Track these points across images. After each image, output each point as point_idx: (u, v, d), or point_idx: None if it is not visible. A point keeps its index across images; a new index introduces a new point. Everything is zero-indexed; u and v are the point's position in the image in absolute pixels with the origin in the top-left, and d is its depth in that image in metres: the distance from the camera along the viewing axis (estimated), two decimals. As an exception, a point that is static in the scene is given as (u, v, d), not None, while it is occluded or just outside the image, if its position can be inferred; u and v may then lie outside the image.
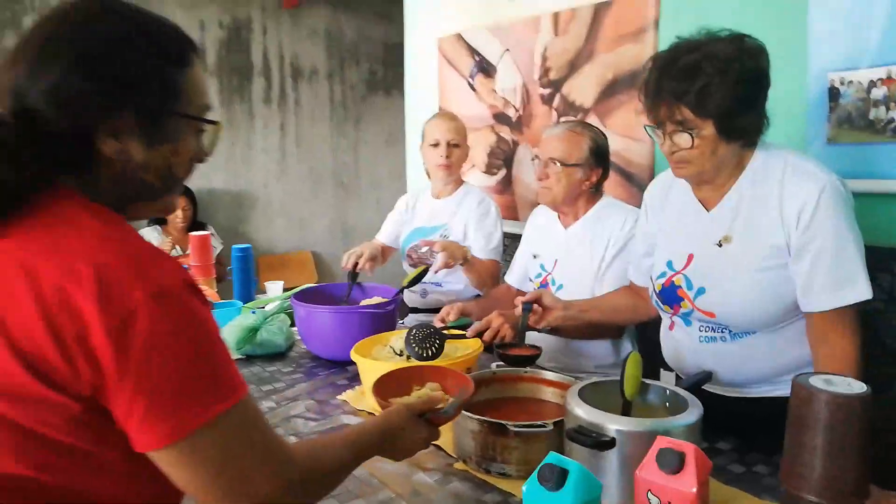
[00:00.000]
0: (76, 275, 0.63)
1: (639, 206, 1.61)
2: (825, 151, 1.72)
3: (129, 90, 0.71)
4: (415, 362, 1.47)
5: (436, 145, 2.25)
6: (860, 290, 1.19)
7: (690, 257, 1.36)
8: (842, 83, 1.68)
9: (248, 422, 0.71)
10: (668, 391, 1.18)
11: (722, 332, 1.34)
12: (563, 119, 2.51)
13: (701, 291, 1.34)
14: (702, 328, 1.37)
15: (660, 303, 1.43)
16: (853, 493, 0.76)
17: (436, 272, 2.08)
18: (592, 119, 2.40)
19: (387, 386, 1.20)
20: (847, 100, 1.67)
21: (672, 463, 0.79)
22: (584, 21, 2.40)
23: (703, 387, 1.33)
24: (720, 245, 1.32)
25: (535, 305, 1.54)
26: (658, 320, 1.53)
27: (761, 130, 1.29)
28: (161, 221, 4.11)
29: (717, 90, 1.20)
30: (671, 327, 1.43)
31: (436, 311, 2.27)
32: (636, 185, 2.26)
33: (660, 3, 2.15)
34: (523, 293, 1.82)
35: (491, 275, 2.21)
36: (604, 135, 1.87)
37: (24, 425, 0.64)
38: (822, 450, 0.75)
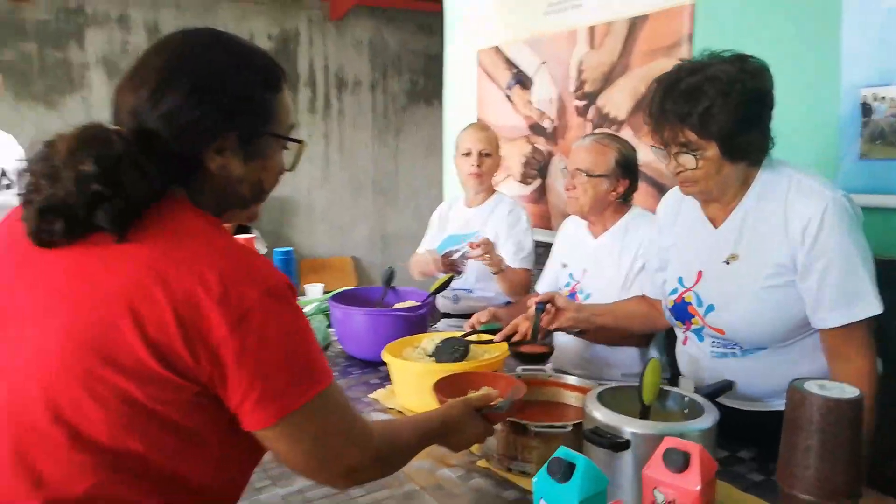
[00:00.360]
0: (204, 280, 0.73)
1: None
2: (857, 167, 1.73)
3: (235, 115, 0.81)
4: (453, 365, 1.54)
5: (468, 154, 2.32)
6: (869, 305, 1.20)
7: (700, 274, 1.38)
8: (874, 99, 1.68)
9: (339, 403, 0.83)
10: (686, 398, 1.21)
11: (733, 348, 1.36)
12: (596, 130, 2.55)
13: (710, 309, 1.36)
14: (714, 344, 1.39)
15: (672, 318, 1.45)
16: (845, 492, 0.79)
17: (470, 258, 2.15)
18: (626, 131, 2.43)
19: (445, 387, 1.29)
20: (880, 115, 1.67)
21: (678, 462, 0.83)
22: (620, 35, 2.44)
23: (721, 401, 1.36)
24: (728, 263, 1.34)
25: (549, 306, 1.57)
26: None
27: (766, 150, 1.30)
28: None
29: (719, 112, 1.21)
30: (685, 342, 1.46)
31: (467, 316, 2.33)
32: (668, 196, 2.28)
33: (694, 19, 2.17)
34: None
35: (522, 283, 2.25)
36: (632, 147, 1.90)
37: (146, 405, 0.73)
38: (815, 451, 0.79)
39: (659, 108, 1.28)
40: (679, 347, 1.49)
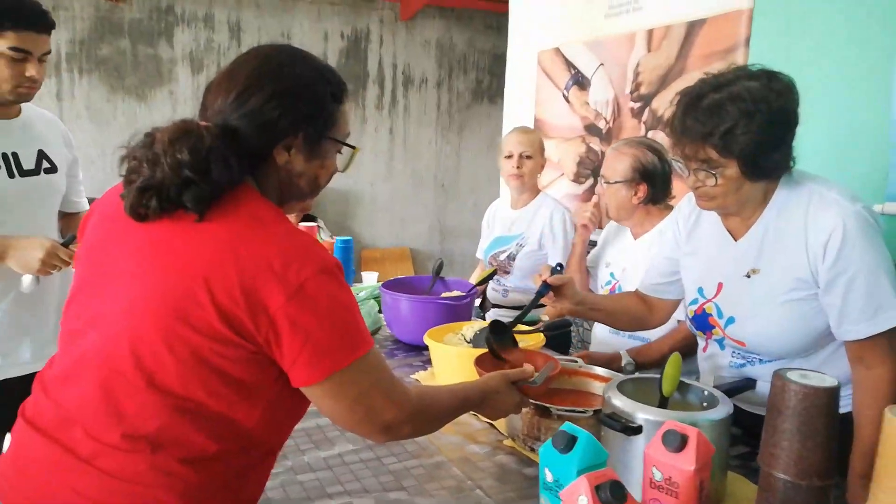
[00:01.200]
0: (268, 258, 0.85)
1: None
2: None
3: (306, 119, 0.95)
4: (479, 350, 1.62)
5: (509, 157, 2.39)
6: (894, 315, 1.20)
7: (720, 286, 1.39)
8: (928, 107, 1.66)
9: (378, 366, 0.94)
10: (706, 392, 1.26)
11: (752, 359, 1.38)
12: (650, 132, 2.58)
13: (731, 321, 1.37)
14: (734, 354, 1.40)
15: (693, 328, 1.47)
16: (817, 473, 0.84)
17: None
18: (679, 134, 2.45)
19: (486, 362, 1.40)
20: (933, 123, 1.65)
21: (675, 442, 0.90)
22: (678, 38, 2.46)
23: (745, 406, 1.39)
24: (748, 276, 1.34)
25: (550, 293, 1.52)
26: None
27: (787, 168, 1.29)
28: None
29: (742, 133, 1.19)
30: (705, 349, 1.48)
31: (516, 307, 2.42)
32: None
33: (752, 23, 2.17)
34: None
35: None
36: (657, 151, 1.91)
37: (210, 360, 0.86)
38: (792, 433, 0.84)
39: (681, 124, 1.25)
40: (700, 354, 1.51)
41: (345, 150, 1.04)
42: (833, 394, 0.85)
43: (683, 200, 1.55)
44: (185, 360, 0.86)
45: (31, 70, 1.54)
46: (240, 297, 0.84)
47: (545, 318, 1.77)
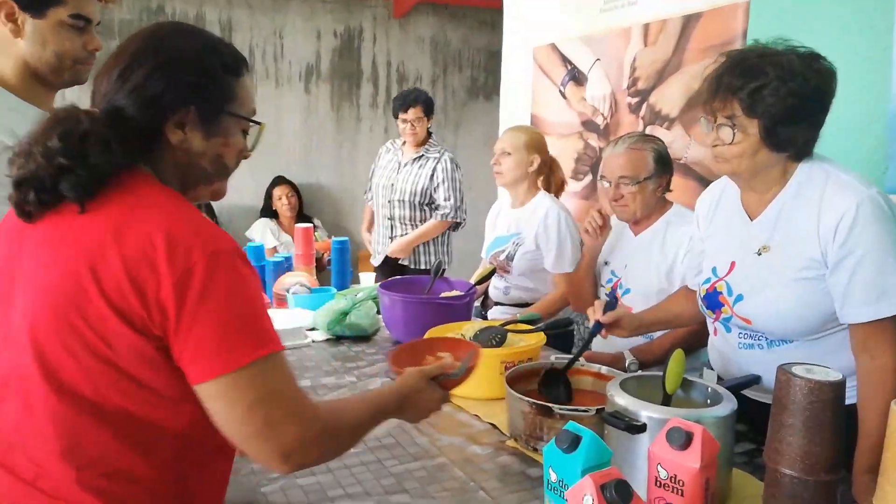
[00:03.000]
0: (153, 241, 0.79)
1: None
2: (909, 167, 1.70)
3: (193, 90, 0.89)
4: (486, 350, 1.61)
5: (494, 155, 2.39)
6: None
7: (732, 265, 1.41)
8: (928, 98, 1.65)
9: (281, 374, 0.84)
10: (710, 389, 1.25)
11: (759, 339, 1.38)
12: (648, 128, 2.56)
13: (739, 298, 1.38)
14: (740, 335, 1.41)
15: (703, 307, 1.48)
16: (824, 468, 0.83)
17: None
18: (677, 129, 2.44)
19: (402, 356, 1.29)
20: (933, 115, 1.64)
21: (680, 440, 0.88)
22: (674, 32, 2.45)
23: (748, 394, 1.38)
24: (759, 254, 1.36)
25: (603, 331, 1.55)
26: None
27: (807, 150, 1.31)
28: (273, 214, 4.52)
29: (770, 95, 1.22)
30: (714, 333, 1.48)
31: (517, 305, 2.41)
32: (717, 194, 2.27)
33: (748, 16, 2.16)
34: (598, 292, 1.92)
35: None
36: (659, 139, 1.93)
37: (115, 360, 0.80)
38: (798, 428, 0.83)
39: (717, 78, 1.29)
40: (710, 341, 1.52)
41: (253, 128, 0.99)
42: (839, 388, 0.84)
43: (705, 191, 1.59)
44: (87, 361, 0.80)
45: (93, 42, 1.37)
46: (127, 285, 0.78)
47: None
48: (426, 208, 3.38)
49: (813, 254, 1.27)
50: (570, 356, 1.53)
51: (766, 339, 1.37)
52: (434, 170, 3.35)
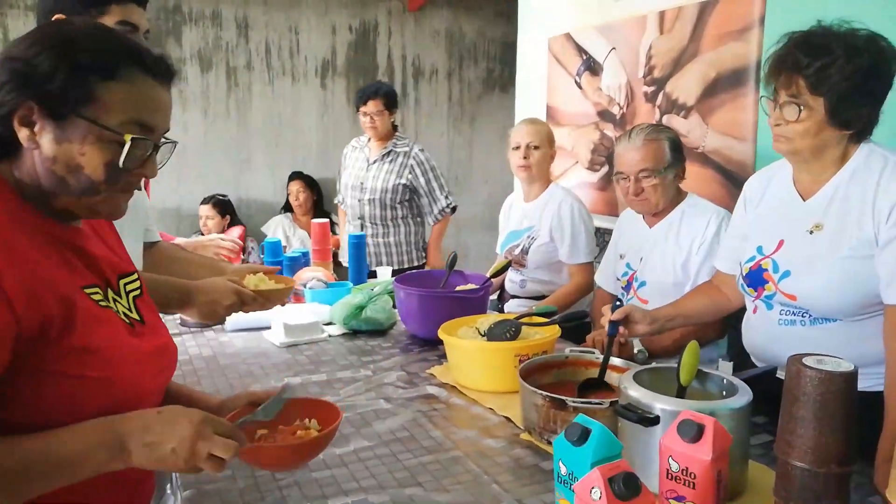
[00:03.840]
0: None
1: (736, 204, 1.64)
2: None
3: (32, 84, 0.82)
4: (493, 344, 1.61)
5: (517, 148, 2.38)
6: None
7: (781, 243, 1.41)
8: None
9: None
10: (725, 380, 1.23)
11: (802, 315, 1.38)
12: (664, 117, 2.53)
13: (786, 275, 1.38)
14: (782, 311, 1.40)
15: (745, 286, 1.48)
16: (836, 460, 0.82)
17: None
18: (694, 117, 2.41)
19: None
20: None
21: (691, 432, 0.88)
22: (690, 19, 2.41)
23: (777, 375, 1.37)
24: (811, 232, 1.36)
25: (621, 328, 1.54)
26: (737, 316, 1.56)
27: (870, 128, 1.32)
28: (289, 209, 4.57)
29: (837, 72, 1.24)
30: (754, 311, 1.48)
31: (534, 297, 2.41)
32: (735, 182, 2.24)
33: (765, 2, 2.12)
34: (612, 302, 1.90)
35: (582, 282, 2.32)
36: (669, 128, 1.93)
37: None
38: (809, 420, 0.81)
39: (782, 54, 1.30)
40: (746, 319, 1.52)
41: (140, 144, 0.86)
42: (850, 378, 0.82)
43: (752, 177, 1.60)
44: None
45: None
46: None
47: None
48: (398, 206, 3.24)
49: (866, 234, 1.28)
50: (583, 348, 1.53)
51: (810, 315, 1.37)
52: (406, 165, 3.21)
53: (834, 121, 1.27)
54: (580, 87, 3.02)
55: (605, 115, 2.89)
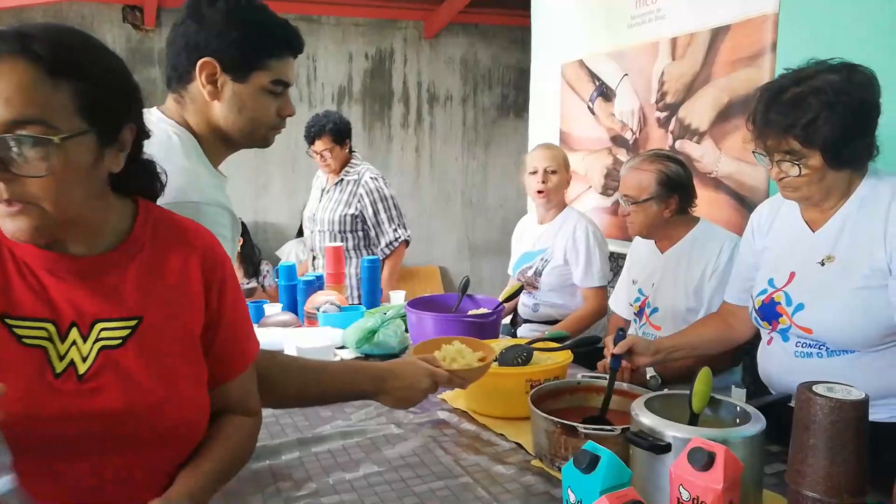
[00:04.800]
0: None
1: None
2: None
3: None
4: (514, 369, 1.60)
5: (534, 173, 2.40)
6: None
7: (792, 275, 1.40)
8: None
9: None
10: (738, 407, 1.22)
11: (819, 348, 1.36)
12: (677, 142, 2.54)
13: (800, 307, 1.37)
14: (798, 344, 1.39)
15: (758, 319, 1.47)
16: (848, 490, 0.80)
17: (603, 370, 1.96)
18: (707, 142, 2.41)
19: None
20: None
21: (702, 460, 0.87)
22: (702, 46, 2.43)
23: (789, 404, 1.35)
24: (822, 264, 1.35)
25: (624, 363, 1.54)
26: (752, 343, 1.54)
27: (870, 157, 1.31)
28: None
29: (824, 124, 1.23)
30: (769, 342, 1.47)
31: (546, 322, 2.40)
32: (748, 207, 2.23)
33: (777, 28, 2.13)
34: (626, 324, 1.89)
35: (596, 306, 2.31)
36: (677, 161, 1.89)
37: None
38: (819, 449, 0.80)
39: (763, 117, 1.30)
40: (762, 349, 1.50)
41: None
42: (861, 407, 0.81)
43: (761, 206, 1.58)
44: None
45: (288, 107, 1.25)
46: None
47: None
48: (348, 235, 3.05)
49: (878, 263, 1.27)
50: (595, 374, 1.52)
51: (827, 348, 1.35)
52: (356, 194, 3.01)
53: (834, 165, 1.27)
54: (593, 113, 3.04)
55: (618, 140, 2.90)
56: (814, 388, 0.85)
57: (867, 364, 1.31)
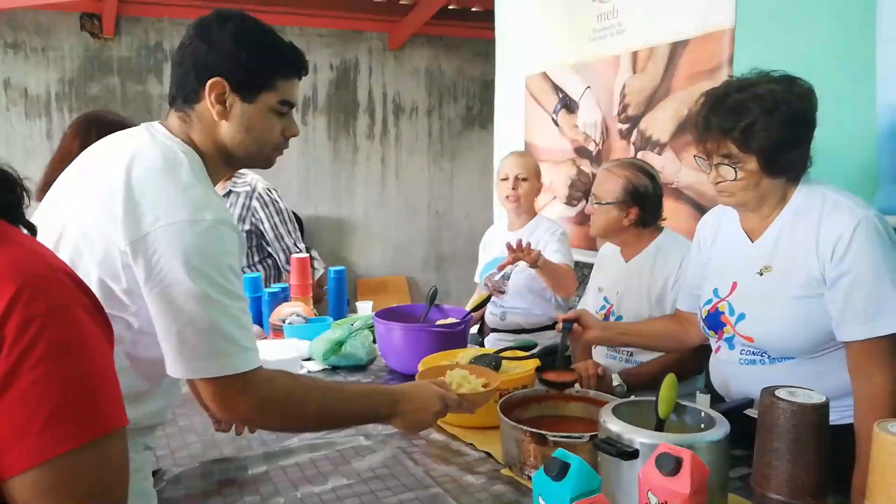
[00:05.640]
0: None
1: None
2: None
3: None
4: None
5: (505, 179, 2.42)
6: (894, 321, 1.21)
7: (734, 285, 1.43)
8: (912, 118, 1.67)
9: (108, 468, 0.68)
10: (703, 413, 1.24)
11: (761, 356, 1.40)
12: (639, 153, 2.59)
13: (742, 317, 1.40)
14: (743, 352, 1.43)
15: (706, 328, 1.50)
16: (811, 492, 0.83)
17: (502, 268, 2.14)
18: (668, 153, 2.46)
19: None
20: (918, 135, 1.66)
21: (669, 466, 0.88)
22: (662, 59, 2.49)
23: (747, 413, 1.38)
24: (761, 274, 1.39)
25: (575, 325, 1.62)
26: (703, 351, 1.58)
27: (804, 168, 1.35)
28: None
29: (762, 129, 1.27)
30: (717, 350, 1.50)
31: (514, 331, 2.41)
32: (709, 218, 2.29)
33: (734, 42, 2.20)
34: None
35: (565, 276, 2.27)
36: (651, 176, 1.91)
37: None
38: (782, 452, 0.82)
39: (704, 121, 1.34)
40: (712, 358, 1.54)
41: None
42: (822, 410, 0.84)
43: (706, 215, 1.62)
44: None
45: (292, 128, 1.25)
46: None
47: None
48: (249, 251, 2.81)
49: (812, 272, 1.30)
50: (579, 394, 1.54)
51: (769, 355, 1.39)
52: (248, 207, 2.74)
53: (769, 171, 1.31)
54: (557, 125, 3.08)
55: (581, 151, 2.95)
56: (776, 392, 0.87)
57: (807, 370, 1.34)
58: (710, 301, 1.48)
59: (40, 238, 0.76)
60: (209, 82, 1.13)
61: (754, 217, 1.41)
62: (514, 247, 2.07)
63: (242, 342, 1.03)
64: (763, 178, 1.32)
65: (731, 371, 1.46)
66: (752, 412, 1.39)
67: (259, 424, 1.17)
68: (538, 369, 1.61)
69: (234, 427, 1.44)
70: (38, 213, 1.14)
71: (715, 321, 1.46)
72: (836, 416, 1.29)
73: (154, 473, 1.23)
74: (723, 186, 1.36)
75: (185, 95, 1.16)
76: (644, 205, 1.89)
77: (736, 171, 1.31)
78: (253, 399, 1.05)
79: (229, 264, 1.03)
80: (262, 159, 1.25)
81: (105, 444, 0.67)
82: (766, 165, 1.30)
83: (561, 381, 1.53)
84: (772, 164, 1.30)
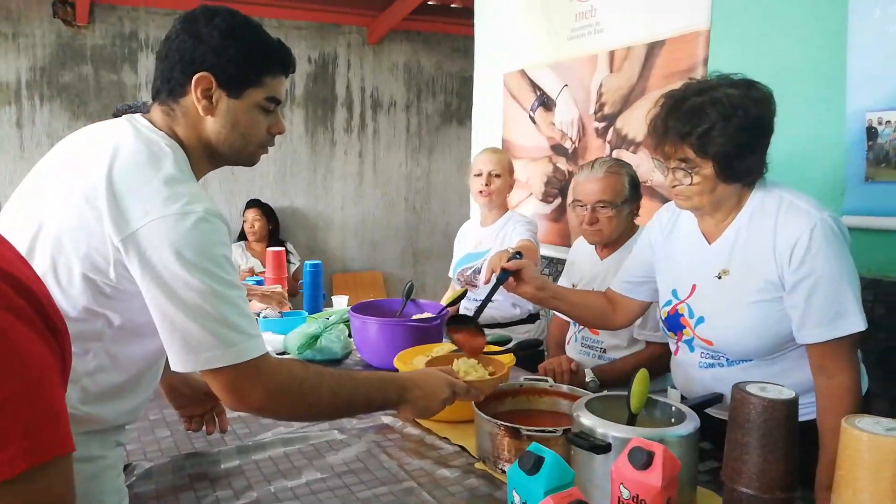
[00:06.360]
0: None
1: None
2: (863, 190, 1.76)
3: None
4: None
5: (479, 175, 2.44)
6: (853, 322, 1.23)
7: (693, 288, 1.44)
8: (879, 123, 1.71)
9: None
10: (673, 408, 1.26)
11: (720, 358, 1.41)
12: (614, 152, 2.62)
13: (700, 321, 1.41)
14: (702, 354, 1.44)
15: (666, 329, 1.51)
16: (780, 486, 0.85)
17: (485, 283, 2.16)
18: (643, 152, 2.49)
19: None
20: (884, 139, 1.71)
21: (641, 460, 0.90)
22: (638, 59, 2.51)
23: (712, 412, 1.40)
24: (719, 277, 1.39)
25: (511, 279, 1.56)
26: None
27: (760, 174, 1.35)
28: (243, 237, 4.51)
29: (718, 135, 1.25)
30: (676, 352, 1.51)
31: (488, 325, 2.42)
32: (683, 216, 2.32)
33: (709, 43, 2.23)
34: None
35: (529, 248, 2.26)
36: (629, 164, 1.97)
37: None
38: (752, 447, 0.84)
39: (663, 124, 1.32)
40: (673, 359, 1.55)
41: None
42: (792, 405, 0.86)
43: (662, 209, 1.60)
44: None
45: (278, 125, 1.24)
46: None
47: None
48: None
49: (770, 277, 1.31)
50: (537, 377, 1.55)
51: (727, 358, 1.40)
52: None
53: (725, 177, 1.30)
54: (534, 122, 3.10)
55: (557, 149, 2.97)
56: (747, 387, 0.89)
57: (764, 371, 1.36)
58: (669, 302, 1.49)
59: (15, 227, 0.73)
60: (195, 77, 1.12)
61: (710, 220, 1.41)
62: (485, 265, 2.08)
63: (248, 330, 1.02)
64: (719, 183, 1.31)
65: (690, 373, 1.47)
66: (719, 414, 1.42)
67: (271, 412, 1.15)
68: (449, 322, 1.60)
69: (204, 426, 1.44)
70: (12, 202, 1.12)
71: (675, 323, 1.47)
72: None
73: (124, 468, 1.22)
74: (678, 190, 1.35)
75: (169, 89, 1.14)
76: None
77: (692, 177, 1.30)
78: (266, 386, 1.04)
79: (223, 254, 1.03)
80: (247, 156, 1.23)
81: (42, 473, 0.56)
82: (721, 171, 1.29)
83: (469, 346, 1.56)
84: (728, 171, 1.29)
